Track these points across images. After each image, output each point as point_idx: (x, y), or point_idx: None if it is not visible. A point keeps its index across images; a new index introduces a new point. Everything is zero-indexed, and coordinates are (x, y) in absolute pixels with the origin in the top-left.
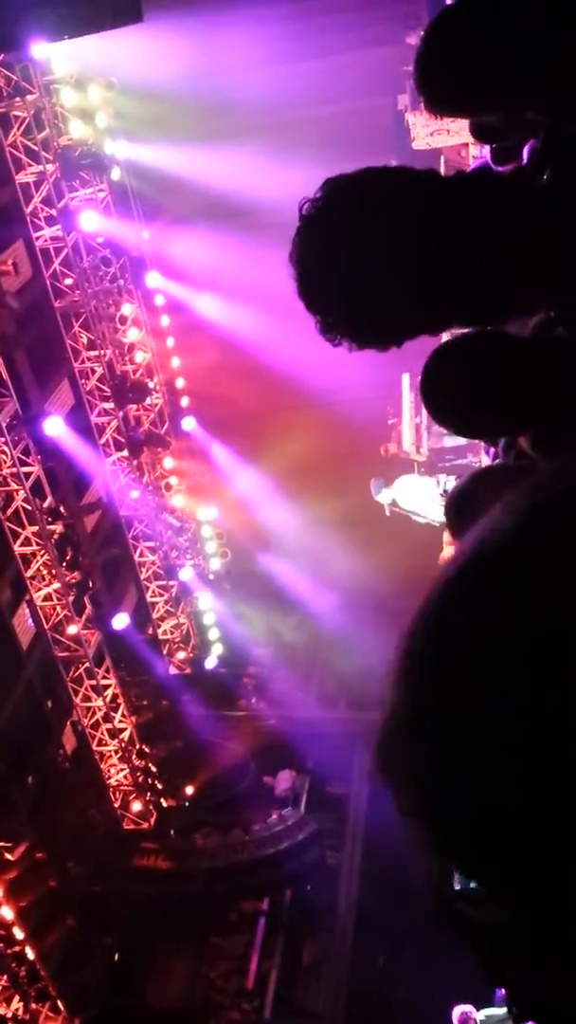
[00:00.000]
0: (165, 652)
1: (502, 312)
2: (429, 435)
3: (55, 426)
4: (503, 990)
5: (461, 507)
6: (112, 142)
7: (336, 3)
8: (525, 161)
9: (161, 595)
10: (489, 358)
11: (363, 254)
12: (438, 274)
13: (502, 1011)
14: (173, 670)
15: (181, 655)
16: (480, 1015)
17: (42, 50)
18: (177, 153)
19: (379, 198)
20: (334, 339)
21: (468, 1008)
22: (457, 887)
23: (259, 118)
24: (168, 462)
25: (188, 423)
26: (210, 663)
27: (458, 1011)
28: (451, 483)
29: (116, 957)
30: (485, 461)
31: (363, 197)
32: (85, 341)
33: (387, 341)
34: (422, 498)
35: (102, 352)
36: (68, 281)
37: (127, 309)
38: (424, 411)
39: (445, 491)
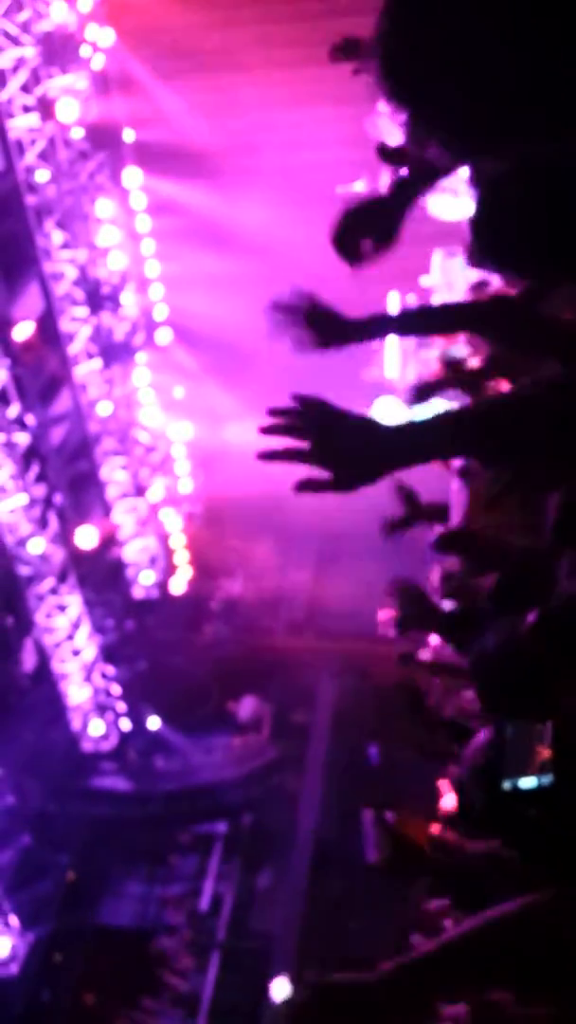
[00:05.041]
0: (132, 573)
1: None
2: (415, 361)
3: (25, 330)
4: None
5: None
6: (97, 28)
7: None
8: None
9: (129, 515)
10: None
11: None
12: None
13: None
14: (139, 592)
15: (148, 577)
16: None
17: None
18: None
19: None
20: (421, 136)
21: None
22: (507, 785)
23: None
24: (142, 375)
25: (164, 335)
26: (177, 586)
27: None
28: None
29: (71, 876)
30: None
31: None
32: (58, 241)
33: (487, 130)
34: None
35: (76, 254)
36: (43, 175)
37: (104, 209)
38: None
39: None
